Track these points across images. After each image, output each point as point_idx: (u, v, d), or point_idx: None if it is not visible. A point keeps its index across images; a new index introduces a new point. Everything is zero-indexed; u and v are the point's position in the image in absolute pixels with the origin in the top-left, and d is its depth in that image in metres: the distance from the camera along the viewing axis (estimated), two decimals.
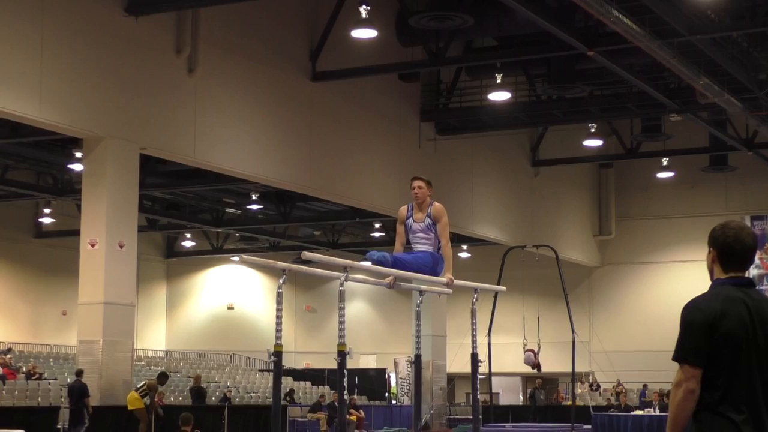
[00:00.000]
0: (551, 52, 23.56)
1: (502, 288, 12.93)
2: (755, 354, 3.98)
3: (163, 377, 22.02)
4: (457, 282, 9.49)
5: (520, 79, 27.90)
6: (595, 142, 31.78)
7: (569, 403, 29.43)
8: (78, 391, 19.06)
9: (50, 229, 35.62)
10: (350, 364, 8.88)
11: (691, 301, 4.06)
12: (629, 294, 38.49)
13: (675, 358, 3.99)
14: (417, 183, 9.53)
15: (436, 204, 9.48)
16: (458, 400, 38.33)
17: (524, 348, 26.22)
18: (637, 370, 34.72)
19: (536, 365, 26.43)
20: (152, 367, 30.65)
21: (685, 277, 34.67)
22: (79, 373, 19.06)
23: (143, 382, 21.06)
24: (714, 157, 33.88)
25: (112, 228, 19.11)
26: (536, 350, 26.09)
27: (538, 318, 25.87)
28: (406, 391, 33.71)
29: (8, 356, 26.72)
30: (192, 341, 41.68)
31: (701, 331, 3.96)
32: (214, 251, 41.03)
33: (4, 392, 21.57)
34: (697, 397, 3.95)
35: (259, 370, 36.61)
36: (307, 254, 8.53)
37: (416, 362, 10.30)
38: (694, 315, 4.00)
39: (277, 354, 8.16)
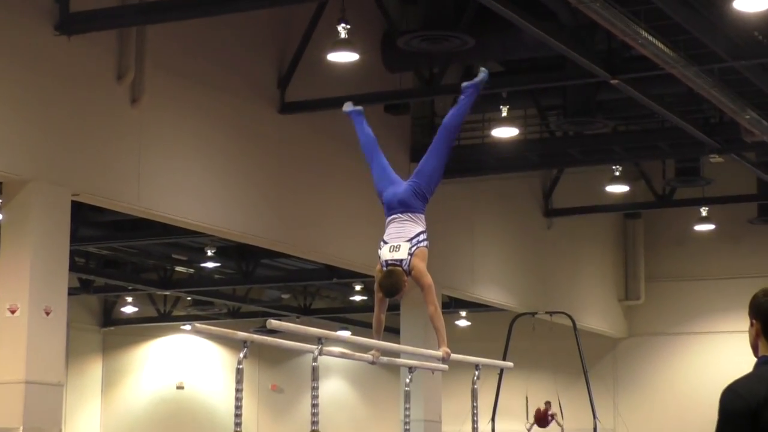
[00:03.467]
0: (567, 79, 23.69)
1: (509, 364, 12.92)
2: None
3: None
4: (454, 356, 9.48)
5: (530, 113, 28.02)
6: (620, 188, 31.88)
7: None
8: None
9: None
10: None
11: (730, 384, 4.04)
12: (661, 371, 38.47)
13: None
14: None
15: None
16: None
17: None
18: None
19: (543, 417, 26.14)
20: None
21: (727, 351, 34.68)
22: None
23: None
24: (763, 207, 34.04)
25: (36, 291, 19.00)
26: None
27: (558, 398, 25.89)
28: None
29: None
30: (133, 428, 41.46)
31: (742, 421, 3.95)
32: (161, 318, 40.93)
33: None
34: None
35: None
36: (274, 322, 8.52)
37: None
38: (733, 402, 3.99)
39: None
